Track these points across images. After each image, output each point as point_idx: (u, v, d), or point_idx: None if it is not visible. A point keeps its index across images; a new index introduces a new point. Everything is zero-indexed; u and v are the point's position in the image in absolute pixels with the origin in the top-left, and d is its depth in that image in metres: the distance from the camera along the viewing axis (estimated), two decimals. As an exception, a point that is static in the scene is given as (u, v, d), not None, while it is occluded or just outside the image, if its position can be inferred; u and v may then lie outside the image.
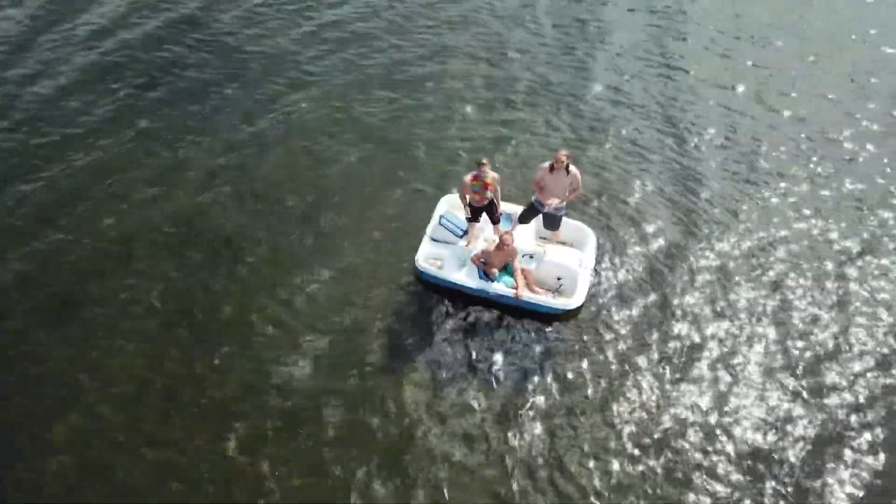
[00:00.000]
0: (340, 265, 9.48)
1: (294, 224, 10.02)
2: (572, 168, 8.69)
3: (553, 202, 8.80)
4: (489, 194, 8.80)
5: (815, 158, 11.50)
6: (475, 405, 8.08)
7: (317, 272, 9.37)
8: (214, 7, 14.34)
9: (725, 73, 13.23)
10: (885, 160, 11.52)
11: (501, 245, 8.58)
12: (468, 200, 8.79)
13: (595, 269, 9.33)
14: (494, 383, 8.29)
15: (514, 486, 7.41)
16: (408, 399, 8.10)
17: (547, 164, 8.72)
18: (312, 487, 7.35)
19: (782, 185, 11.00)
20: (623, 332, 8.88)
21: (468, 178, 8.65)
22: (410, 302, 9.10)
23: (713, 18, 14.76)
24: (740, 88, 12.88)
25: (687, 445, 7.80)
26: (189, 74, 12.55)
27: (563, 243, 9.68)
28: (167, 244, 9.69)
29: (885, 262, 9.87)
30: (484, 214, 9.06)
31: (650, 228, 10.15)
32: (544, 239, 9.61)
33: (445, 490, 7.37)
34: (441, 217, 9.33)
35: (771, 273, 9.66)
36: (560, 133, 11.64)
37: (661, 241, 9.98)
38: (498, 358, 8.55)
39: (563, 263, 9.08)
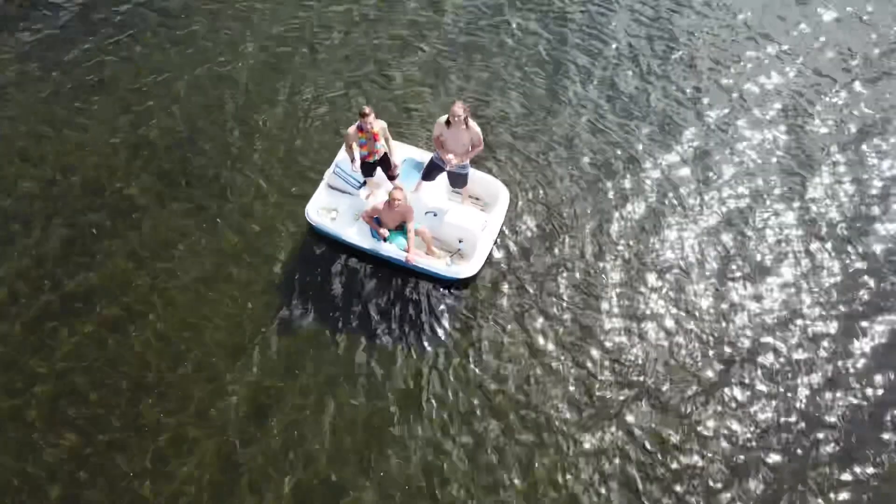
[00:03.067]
0: (230, 211, 9.01)
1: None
2: (471, 122, 7.78)
3: (451, 159, 7.97)
4: (379, 146, 8.00)
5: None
6: (360, 362, 7.93)
7: (204, 221, 8.91)
8: None
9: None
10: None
11: (392, 202, 7.87)
12: (357, 155, 8.01)
13: (502, 229, 8.68)
14: (381, 340, 8.08)
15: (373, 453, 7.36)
16: (291, 357, 7.93)
17: (443, 119, 7.82)
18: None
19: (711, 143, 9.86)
20: (522, 297, 8.42)
21: (352, 129, 7.82)
22: (303, 252, 8.67)
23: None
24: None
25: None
26: None
27: (477, 199, 8.97)
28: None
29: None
30: (379, 169, 8.30)
31: (565, 183, 9.33)
32: (457, 192, 8.88)
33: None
34: (335, 165, 8.60)
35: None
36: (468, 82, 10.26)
37: (576, 203, 9.18)
38: (390, 315, 8.24)
39: (464, 226, 8.41)
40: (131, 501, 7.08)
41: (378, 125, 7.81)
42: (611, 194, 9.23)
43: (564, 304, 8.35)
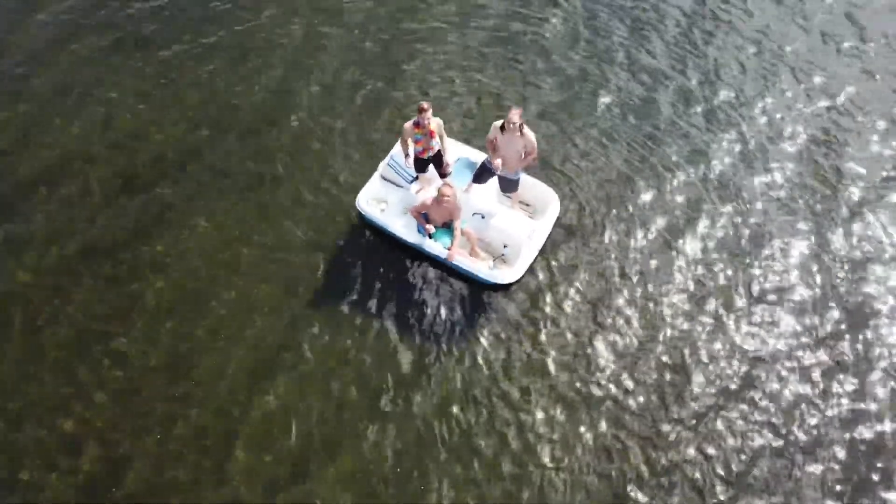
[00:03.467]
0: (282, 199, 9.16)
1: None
2: (526, 130, 7.73)
3: (498, 164, 7.93)
4: (434, 143, 8.01)
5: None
6: (396, 355, 7.94)
7: (257, 207, 9.08)
8: None
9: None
10: None
11: (440, 198, 7.88)
12: (411, 151, 8.04)
13: (549, 236, 8.62)
14: (404, 331, 8.09)
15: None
16: (329, 345, 8.00)
17: (499, 124, 7.79)
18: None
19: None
20: (565, 308, 8.32)
21: (408, 125, 7.85)
22: (349, 238, 8.77)
23: None
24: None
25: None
26: None
27: (527, 204, 8.91)
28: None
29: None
30: (431, 166, 8.32)
31: (622, 198, 9.23)
32: (507, 196, 8.83)
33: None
34: (390, 157, 8.66)
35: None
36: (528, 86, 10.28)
37: (630, 218, 9.07)
38: (419, 308, 8.25)
39: (510, 231, 8.37)
40: (135, 457, 7.27)
41: (435, 122, 7.83)
42: (641, 206, 9.15)
43: (590, 325, 8.19)
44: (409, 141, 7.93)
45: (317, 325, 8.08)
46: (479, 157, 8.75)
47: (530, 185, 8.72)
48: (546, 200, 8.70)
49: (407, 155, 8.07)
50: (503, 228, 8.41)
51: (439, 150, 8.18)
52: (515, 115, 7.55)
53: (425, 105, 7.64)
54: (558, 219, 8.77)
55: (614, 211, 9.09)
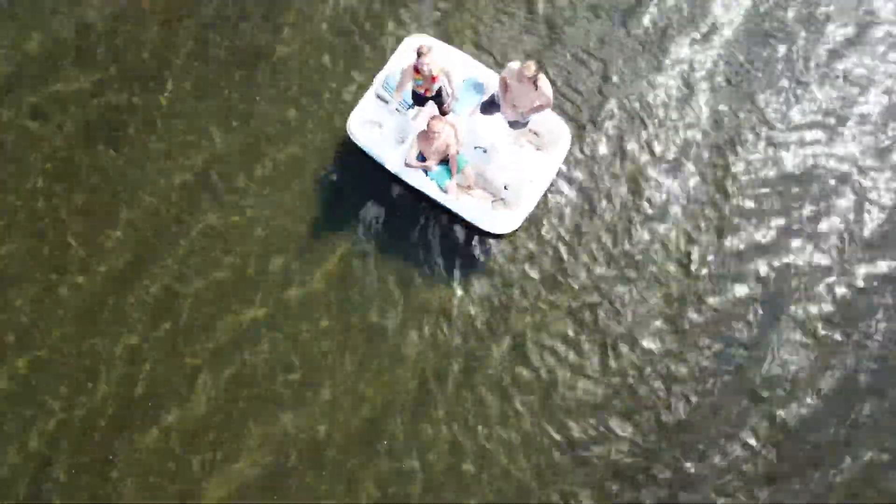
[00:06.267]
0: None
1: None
2: (542, 82, 6.93)
3: (508, 114, 7.25)
4: (436, 86, 7.06)
5: None
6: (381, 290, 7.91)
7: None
8: None
9: None
10: None
11: (429, 133, 7.12)
12: (409, 88, 7.09)
13: (559, 173, 8.08)
14: (394, 276, 7.97)
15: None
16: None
17: (515, 66, 6.93)
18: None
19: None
20: (549, 261, 8.08)
21: (408, 68, 6.86)
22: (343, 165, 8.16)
23: None
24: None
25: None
26: None
27: (535, 134, 8.09)
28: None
29: None
30: (431, 101, 7.40)
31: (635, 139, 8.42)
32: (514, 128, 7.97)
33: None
34: (386, 78, 7.66)
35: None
36: None
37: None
38: (412, 252, 8.02)
39: (513, 172, 7.70)
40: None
41: (437, 68, 6.79)
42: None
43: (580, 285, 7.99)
44: (409, 84, 6.98)
45: (295, 253, 7.96)
46: (487, 76, 7.76)
47: (543, 115, 7.83)
48: (557, 134, 7.87)
49: (401, 91, 7.17)
50: (505, 167, 7.73)
51: (440, 89, 7.21)
52: (529, 69, 6.62)
53: (424, 48, 6.56)
54: (568, 155, 8.07)
55: (629, 141, 8.32)
